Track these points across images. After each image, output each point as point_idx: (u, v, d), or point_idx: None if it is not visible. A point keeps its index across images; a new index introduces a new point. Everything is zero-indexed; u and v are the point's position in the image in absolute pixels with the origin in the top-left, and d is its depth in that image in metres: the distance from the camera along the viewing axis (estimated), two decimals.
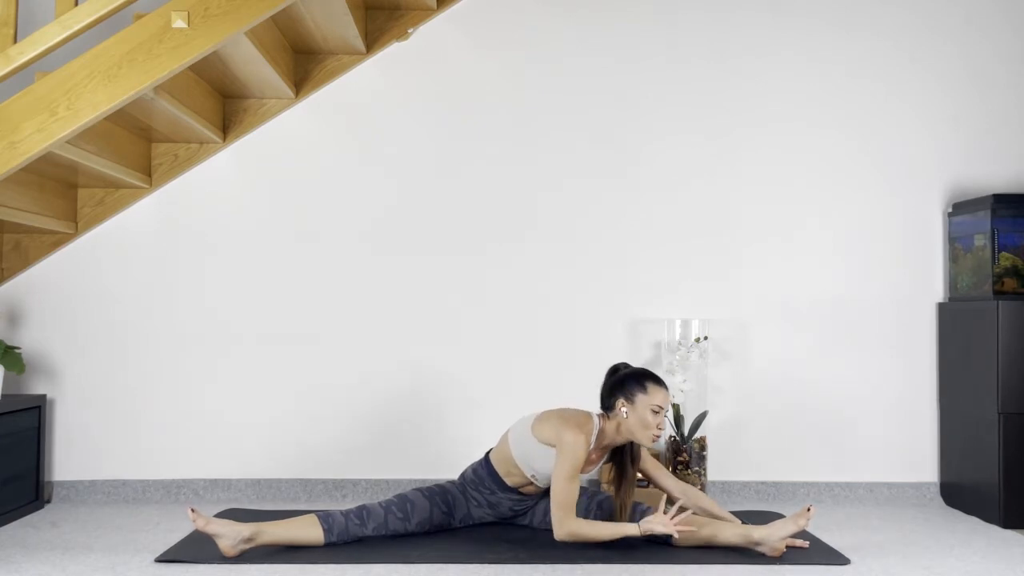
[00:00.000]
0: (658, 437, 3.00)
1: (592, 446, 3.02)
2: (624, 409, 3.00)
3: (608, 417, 3.06)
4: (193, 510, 2.79)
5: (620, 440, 3.06)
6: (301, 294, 3.88)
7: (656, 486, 3.20)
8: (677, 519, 2.85)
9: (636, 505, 3.06)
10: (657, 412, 2.98)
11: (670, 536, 2.95)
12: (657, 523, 2.84)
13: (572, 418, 3.01)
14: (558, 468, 2.93)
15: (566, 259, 3.93)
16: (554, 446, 2.97)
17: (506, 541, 3.03)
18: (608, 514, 3.08)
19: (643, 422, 2.98)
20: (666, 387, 3.05)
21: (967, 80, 4.00)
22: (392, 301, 3.89)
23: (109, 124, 3.47)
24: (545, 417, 3.04)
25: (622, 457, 3.08)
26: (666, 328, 3.83)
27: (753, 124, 3.97)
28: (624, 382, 3.04)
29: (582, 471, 3.07)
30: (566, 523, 2.89)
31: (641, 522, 2.87)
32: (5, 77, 2.95)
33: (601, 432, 3.04)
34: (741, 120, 3.97)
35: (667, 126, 3.96)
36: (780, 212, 3.96)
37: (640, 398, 2.99)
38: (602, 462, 3.13)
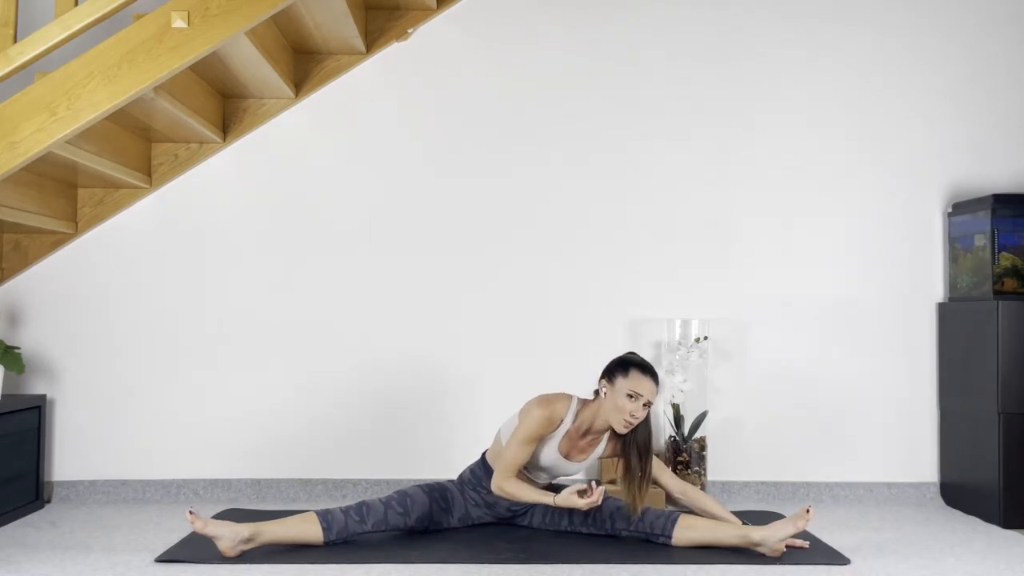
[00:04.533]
0: (629, 424, 2.97)
1: (567, 427, 3.03)
2: (604, 391, 3.02)
3: (592, 400, 3.07)
4: (191, 512, 2.79)
5: (600, 425, 3.04)
6: (301, 294, 3.88)
7: (656, 484, 3.19)
8: (587, 501, 2.87)
9: (646, 509, 3.04)
10: (633, 398, 2.95)
11: (669, 536, 2.96)
12: (566, 498, 2.89)
13: (546, 396, 3.05)
14: (513, 432, 3.01)
15: (566, 259, 3.93)
16: None
17: (506, 541, 3.03)
18: (608, 515, 3.08)
19: (616, 406, 2.97)
20: (653, 377, 2.99)
21: (968, 80, 4.00)
22: (393, 301, 3.89)
23: (109, 124, 3.48)
24: (527, 403, 3.07)
25: (628, 451, 3.05)
26: (666, 328, 3.83)
27: (753, 124, 3.97)
28: (613, 365, 3.05)
29: (572, 459, 3.10)
30: (499, 479, 3.03)
31: (556, 499, 2.93)
32: (5, 77, 2.95)
33: (578, 414, 3.05)
34: (741, 120, 3.97)
35: (667, 126, 3.96)
36: (780, 212, 3.96)
37: (620, 381, 2.99)
38: (596, 453, 3.13)
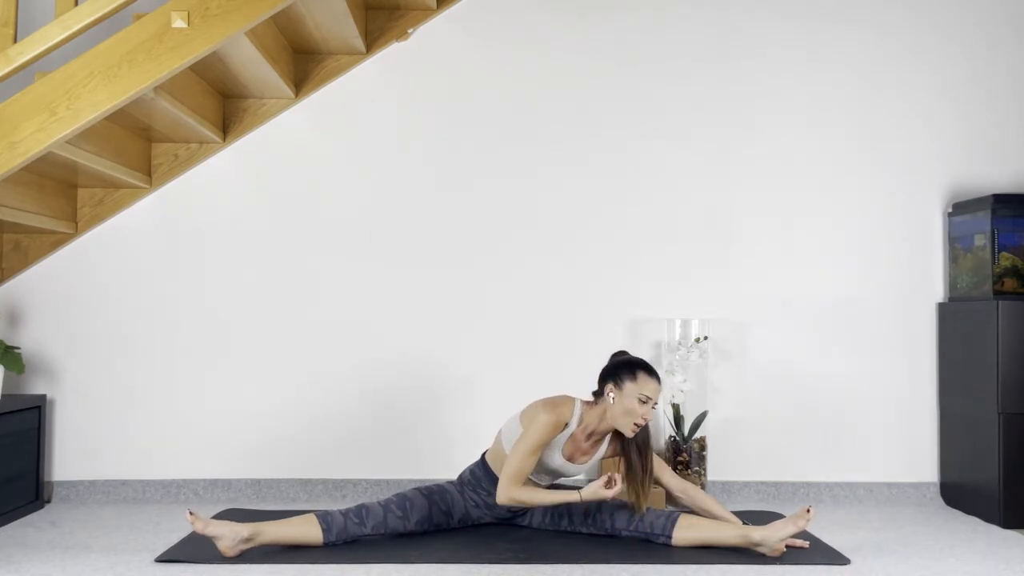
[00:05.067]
0: (639, 427, 2.99)
1: (572, 429, 3.03)
2: (612, 395, 3.01)
3: (595, 403, 3.06)
4: (191, 513, 2.79)
5: (604, 427, 3.05)
6: (301, 294, 3.88)
7: (657, 483, 3.19)
8: (615, 490, 2.87)
9: (646, 509, 3.04)
10: (644, 402, 2.97)
11: (669, 536, 2.96)
12: (594, 490, 2.89)
13: (551, 400, 3.04)
14: (519, 439, 2.98)
15: (567, 259, 3.93)
16: None
17: (506, 541, 3.03)
18: (608, 516, 3.08)
19: (627, 410, 2.98)
20: (658, 379, 3.03)
21: (968, 80, 4.00)
22: (392, 301, 3.89)
23: (109, 124, 3.48)
24: (529, 406, 3.06)
25: (627, 449, 3.06)
26: (666, 328, 3.83)
27: (753, 124, 3.97)
28: (617, 368, 3.05)
29: (575, 461, 3.09)
30: (509, 489, 2.97)
31: (583, 492, 2.92)
32: (5, 77, 2.95)
33: (583, 417, 3.04)
34: (741, 120, 3.97)
35: (667, 126, 3.96)
36: (780, 212, 3.96)
37: (628, 386, 2.99)
38: (599, 455, 3.13)
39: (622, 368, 3.04)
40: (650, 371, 3.02)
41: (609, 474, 2.91)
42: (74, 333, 3.83)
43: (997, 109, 3.99)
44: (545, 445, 3.01)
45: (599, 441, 3.12)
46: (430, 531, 3.10)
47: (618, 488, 2.88)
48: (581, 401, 3.09)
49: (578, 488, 3.02)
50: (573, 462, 3.09)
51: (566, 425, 3.03)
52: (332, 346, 3.87)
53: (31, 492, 3.60)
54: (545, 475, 3.13)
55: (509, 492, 2.97)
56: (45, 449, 3.73)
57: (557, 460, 3.07)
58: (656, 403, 3.01)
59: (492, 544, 2.99)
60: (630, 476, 3.03)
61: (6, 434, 3.44)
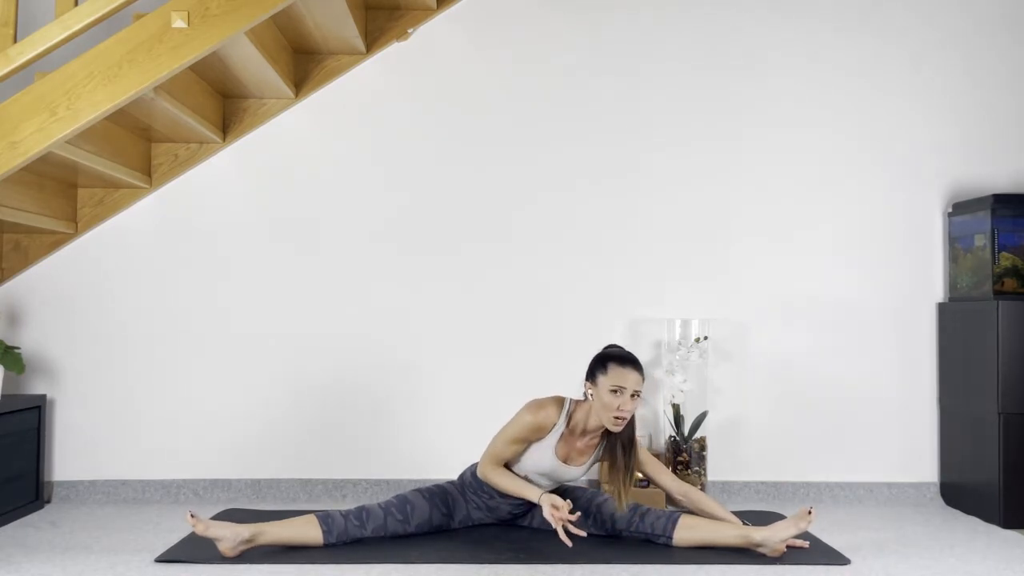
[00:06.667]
0: (621, 420, 2.91)
1: (560, 431, 3.01)
2: (589, 393, 2.99)
3: (583, 401, 3.04)
4: (192, 515, 2.78)
5: (594, 425, 3.00)
6: (301, 294, 3.88)
7: (656, 486, 3.19)
8: (562, 521, 2.79)
9: (635, 507, 3.05)
10: (616, 392, 2.90)
11: (670, 537, 2.95)
12: (549, 506, 2.82)
13: (537, 401, 3.02)
14: (502, 428, 3.01)
15: (566, 259, 3.93)
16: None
17: (506, 541, 3.03)
18: (608, 516, 3.07)
19: (604, 404, 2.92)
20: (634, 367, 2.94)
21: (968, 80, 4.00)
22: (392, 302, 3.89)
23: (109, 124, 3.48)
24: (523, 405, 3.05)
25: (613, 447, 3.03)
26: (666, 328, 3.83)
27: (753, 125, 3.97)
28: (592, 365, 3.02)
29: (571, 463, 3.07)
30: (484, 468, 3.02)
31: (542, 496, 2.88)
32: (5, 77, 2.95)
33: (572, 416, 3.02)
34: (741, 121, 3.97)
35: (668, 127, 3.96)
36: (780, 212, 3.96)
37: (601, 379, 2.95)
38: (595, 456, 3.11)
39: (596, 363, 3.00)
40: (623, 361, 2.95)
41: (571, 509, 2.84)
42: (74, 333, 3.83)
43: (997, 109, 3.99)
44: (523, 441, 3.00)
45: (594, 440, 3.08)
46: (431, 532, 3.10)
47: (559, 514, 2.80)
48: (571, 400, 3.07)
49: (565, 491, 3.04)
50: (569, 463, 3.06)
51: (553, 426, 3.00)
52: (333, 346, 3.87)
53: (31, 492, 3.60)
54: (543, 477, 3.10)
55: (483, 470, 3.03)
56: (45, 449, 3.73)
57: (551, 462, 3.04)
58: (636, 393, 2.92)
59: (492, 544, 2.99)
60: (613, 473, 3.01)
61: (6, 434, 3.44)
